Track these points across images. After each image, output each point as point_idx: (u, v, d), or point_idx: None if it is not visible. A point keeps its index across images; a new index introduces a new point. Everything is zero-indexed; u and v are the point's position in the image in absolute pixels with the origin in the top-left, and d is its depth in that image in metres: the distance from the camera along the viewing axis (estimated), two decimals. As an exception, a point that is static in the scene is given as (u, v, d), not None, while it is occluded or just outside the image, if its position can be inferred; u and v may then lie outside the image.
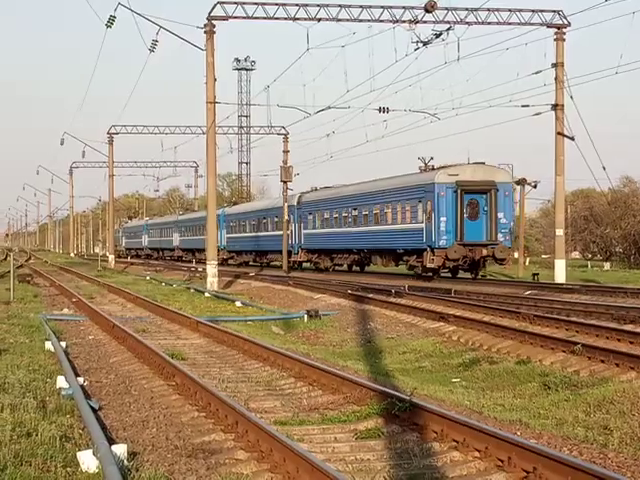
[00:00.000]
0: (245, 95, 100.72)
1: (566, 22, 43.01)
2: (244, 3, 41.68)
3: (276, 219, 64.92)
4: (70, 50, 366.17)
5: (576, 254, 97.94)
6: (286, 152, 64.72)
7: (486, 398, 14.28)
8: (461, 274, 45.25)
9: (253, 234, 70.15)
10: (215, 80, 41.69)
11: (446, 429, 10.50)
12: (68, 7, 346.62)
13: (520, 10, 43.15)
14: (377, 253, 50.47)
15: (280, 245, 62.08)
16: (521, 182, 57.43)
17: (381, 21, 41.85)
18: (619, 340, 18.77)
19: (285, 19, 41.98)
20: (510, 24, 42.82)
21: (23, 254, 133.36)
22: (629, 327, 20.97)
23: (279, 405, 13.10)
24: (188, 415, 12.23)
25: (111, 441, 10.17)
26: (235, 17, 41.78)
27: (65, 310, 30.56)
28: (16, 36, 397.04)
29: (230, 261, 74.47)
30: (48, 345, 18.92)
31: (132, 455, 9.74)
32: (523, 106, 43.15)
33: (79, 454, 9.30)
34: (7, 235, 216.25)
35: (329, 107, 48.81)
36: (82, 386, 14.04)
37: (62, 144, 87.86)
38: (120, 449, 9.44)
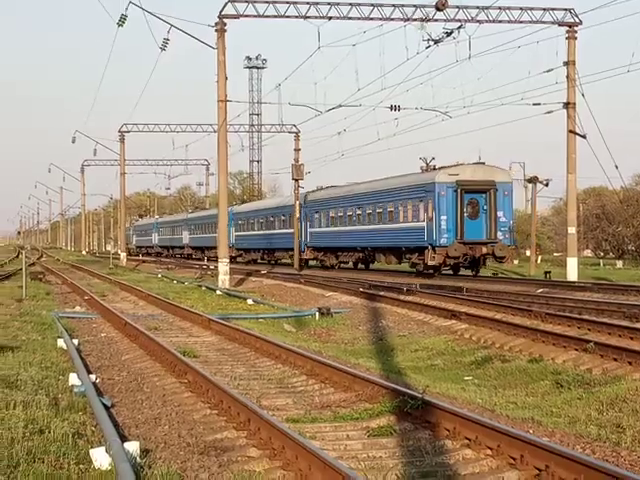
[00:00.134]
0: (256, 93, 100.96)
1: (577, 20, 42.93)
2: (255, 1, 41.67)
3: (283, 217, 65.43)
4: (82, 50, 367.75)
5: (588, 252, 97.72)
6: (297, 150, 64.79)
7: (498, 396, 14.26)
8: (462, 271, 45.86)
9: (261, 232, 70.81)
10: (226, 78, 41.71)
11: (458, 427, 10.48)
12: (79, 6, 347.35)
13: (531, 8, 43.06)
14: (380, 251, 51.34)
15: (287, 243, 63.02)
16: (533, 180, 57.35)
17: (392, 19, 41.80)
18: (632, 338, 18.70)
19: (296, 17, 41.97)
20: (521, 22, 42.73)
21: (35, 252, 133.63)
22: (641, 325, 20.91)
23: (291, 403, 13.09)
24: (200, 413, 12.23)
25: (123, 438, 10.18)
26: (246, 15, 41.77)
27: (77, 308, 30.62)
28: (34, 36, 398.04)
29: (238, 259, 74.70)
30: (60, 342, 18.96)
31: (144, 452, 9.75)
32: (535, 104, 43.17)
33: (92, 451, 9.30)
34: (19, 233, 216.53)
35: (340, 105, 48.89)
36: (94, 383, 14.05)
37: (74, 142, 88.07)
38: (132, 446, 9.45)
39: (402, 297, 30.58)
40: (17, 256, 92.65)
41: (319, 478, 8.60)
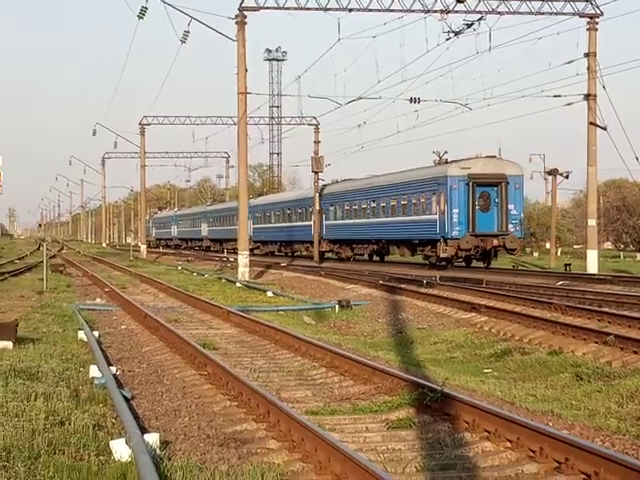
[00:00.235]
0: (276, 86, 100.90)
1: (599, 12, 42.67)
2: (275, -7, 41.62)
3: (300, 210, 65.80)
4: (103, 43, 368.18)
5: (608, 245, 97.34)
6: (317, 142, 64.71)
7: (518, 389, 14.24)
8: (475, 263, 46.15)
9: (279, 225, 71.36)
10: (246, 71, 41.68)
11: (478, 419, 10.48)
12: (99, 0, 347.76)
13: (552, 0, 42.86)
14: (394, 243, 51.86)
15: (305, 235, 63.75)
16: (553, 172, 57.22)
17: (412, 11, 41.64)
18: (652, 331, 18.64)
19: (316, 9, 41.92)
20: (542, 14, 42.52)
21: (56, 244, 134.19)
22: (662, 318, 20.81)
23: (310, 395, 13.11)
24: (220, 405, 12.27)
25: (143, 430, 10.23)
26: (266, 8, 41.73)
27: (98, 300, 30.74)
28: (53, 35, 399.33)
29: (256, 251, 74.98)
30: (81, 334, 19.03)
31: (164, 444, 9.79)
32: (555, 96, 42.96)
33: (112, 443, 9.34)
34: (40, 225, 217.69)
35: (360, 97, 48.79)
36: (114, 375, 14.11)
37: (94, 135, 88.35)
38: (152, 438, 9.48)
39: (422, 290, 30.55)
40: (38, 248, 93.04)
41: (338, 470, 8.62)
